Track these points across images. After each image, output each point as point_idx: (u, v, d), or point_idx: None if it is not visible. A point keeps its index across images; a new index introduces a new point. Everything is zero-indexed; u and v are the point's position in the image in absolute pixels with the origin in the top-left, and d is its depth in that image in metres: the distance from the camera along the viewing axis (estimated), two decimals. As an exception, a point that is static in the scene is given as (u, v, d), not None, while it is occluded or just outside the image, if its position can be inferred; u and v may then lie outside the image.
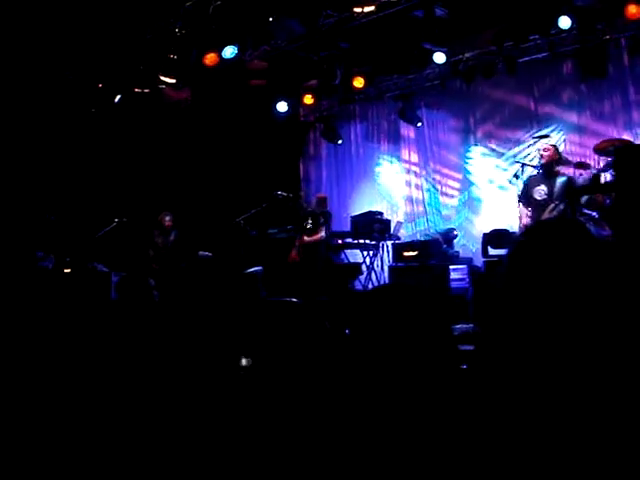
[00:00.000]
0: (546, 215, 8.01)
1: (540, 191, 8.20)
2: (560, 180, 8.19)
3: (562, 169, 8.60)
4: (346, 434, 1.80)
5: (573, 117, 10.44)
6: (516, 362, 1.74)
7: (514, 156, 10.77)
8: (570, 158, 9.56)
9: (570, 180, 8.25)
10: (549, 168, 8.30)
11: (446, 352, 1.77)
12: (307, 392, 2.18)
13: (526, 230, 2.17)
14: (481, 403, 1.74)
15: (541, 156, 8.39)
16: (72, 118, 10.76)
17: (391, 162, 12.68)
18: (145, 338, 2.82)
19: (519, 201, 8.50)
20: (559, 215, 7.92)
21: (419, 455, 1.68)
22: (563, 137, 10.42)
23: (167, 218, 10.33)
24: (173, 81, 10.29)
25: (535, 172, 8.64)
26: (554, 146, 8.60)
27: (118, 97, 10.64)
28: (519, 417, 1.68)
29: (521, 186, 8.54)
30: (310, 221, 9.99)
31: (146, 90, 10.44)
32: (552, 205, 8.08)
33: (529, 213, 8.30)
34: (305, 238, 9.91)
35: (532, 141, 10.38)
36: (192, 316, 3.41)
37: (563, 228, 1.91)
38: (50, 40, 9.34)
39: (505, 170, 10.82)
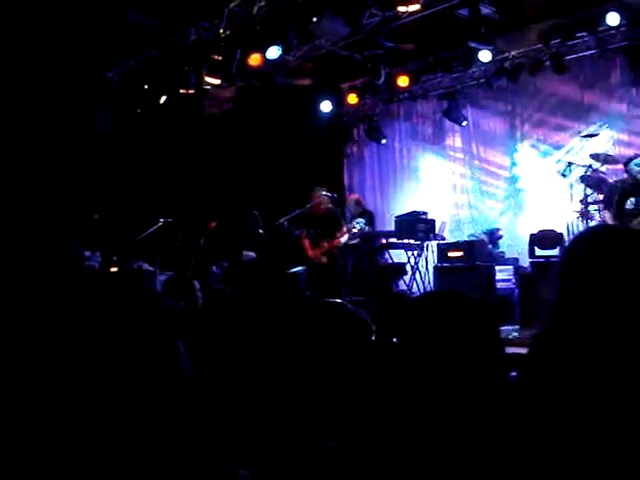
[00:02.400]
0: (635, 224, 7.86)
1: (631, 200, 8.05)
2: None
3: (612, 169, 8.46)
4: (391, 443, 1.77)
5: (622, 115, 10.26)
6: (575, 374, 1.70)
7: (561, 154, 10.63)
8: (619, 157, 9.38)
9: None
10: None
11: (495, 362, 1.73)
12: (350, 395, 2.15)
13: (585, 235, 2.10)
14: (532, 415, 1.70)
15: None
16: (118, 119, 10.86)
17: (436, 161, 12.59)
18: (190, 341, 2.82)
19: (605, 206, 8.35)
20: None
21: (469, 466, 1.64)
22: (611, 135, 10.25)
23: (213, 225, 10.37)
24: (218, 82, 10.33)
25: (627, 181, 8.39)
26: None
27: (164, 98, 10.72)
28: (573, 430, 1.63)
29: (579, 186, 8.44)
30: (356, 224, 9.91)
31: (191, 91, 10.49)
32: None
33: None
34: (326, 244, 9.73)
35: (580, 140, 10.24)
36: (237, 320, 3.41)
37: (622, 235, 1.86)
38: (94, 41, 9.44)
39: (553, 166, 10.66)
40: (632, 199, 8.04)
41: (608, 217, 8.23)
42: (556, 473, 1.66)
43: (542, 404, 1.70)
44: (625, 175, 8.49)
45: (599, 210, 8.66)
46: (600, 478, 1.61)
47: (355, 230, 9.96)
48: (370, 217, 11.22)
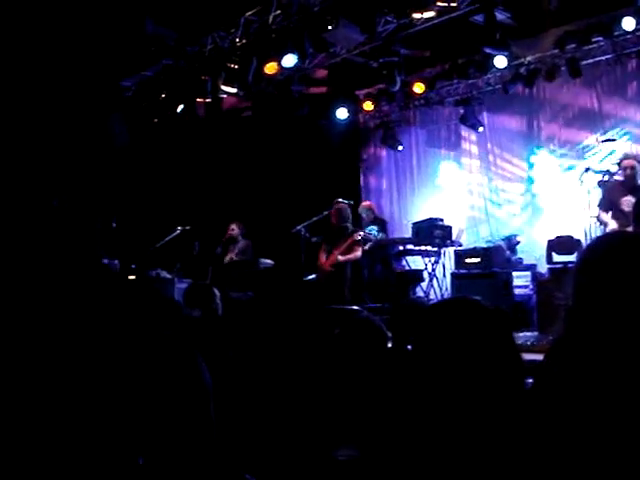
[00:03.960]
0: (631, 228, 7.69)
1: (629, 202, 7.94)
2: None
3: None
4: (406, 451, 1.78)
5: (639, 119, 10.22)
6: (588, 379, 1.70)
7: (578, 160, 10.59)
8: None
9: None
10: (632, 182, 8.09)
11: (509, 369, 1.73)
12: (365, 403, 2.16)
13: (601, 241, 2.10)
14: (547, 422, 1.70)
15: (625, 168, 8.15)
16: (135, 128, 10.93)
17: (452, 168, 12.58)
18: (209, 349, 2.84)
19: (599, 207, 8.33)
20: None
21: (485, 474, 1.65)
22: (629, 140, 10.21)
23: (232, 227, 10.42)
24: (234, 90, 10.38)
25: (615, 179, 8.43)
26: (636, 159, 8.37)
27: (181, 107, 10.78)
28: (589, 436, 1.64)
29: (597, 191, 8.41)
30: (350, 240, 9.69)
31: (207, 100, 10.55)
32: None
33: (615, 221, 8.07)
34: (340, 258, 9.59)
35: (598, 145, 10.20)
36: (255, 327, 3.43)
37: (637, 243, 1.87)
38: (111, 51, 9.53)
39: (571, 172, 10.61)
40: (629, 200, 7.99)
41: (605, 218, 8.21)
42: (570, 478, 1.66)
43: (556, 411, 1.71)
44: None
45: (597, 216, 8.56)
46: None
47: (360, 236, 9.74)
48: (383, 224, 11.20)
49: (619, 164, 8.32)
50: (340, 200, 9.82)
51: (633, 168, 8.10)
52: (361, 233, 9.60)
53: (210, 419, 1.57)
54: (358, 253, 9.49)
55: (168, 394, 1.44)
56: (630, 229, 7.66)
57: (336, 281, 9.32)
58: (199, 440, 1.50)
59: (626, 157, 8.36)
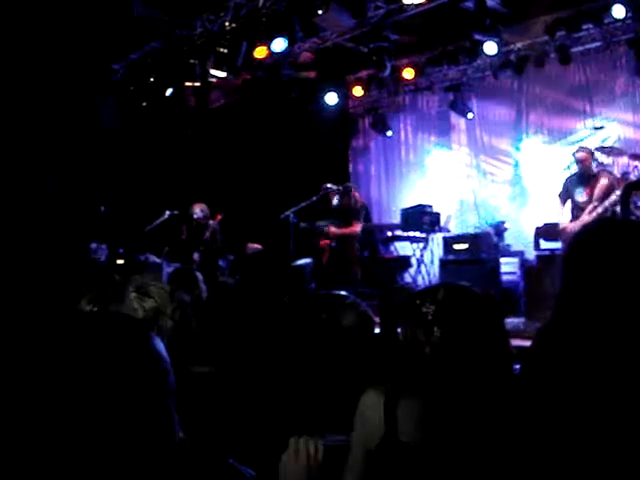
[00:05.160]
0: (585, 216, 8.11)
1: (582, 193, 8.33)
2: (602, 182, 8.24)
3: (617, 160, 8.56)
4: (394, 436, 1.79)
5: (627, 107, 10.25)
6: (576, 364, 1.71)
7: (567, 147, 10.61)
8: (624, 149, 9.38)
9: (612, 182, 8.27)
10: (587, 172, 8.40)
11: (499, 354, 1.74)
12: (353, 388, 2.17)
13: (588, 228, 2.11)
14: (534, 407, 1.71)
15: (578, 161, 8.49)
16: (123, 111, 10.87)
17: (441, 154, 12.59)
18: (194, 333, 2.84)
19: (559, 197, 8.72)
20: (598, 217, 7.97)
21: (473, 458, 1.66)
22: (617, 128, 10.23)
23: (195, 210, 10.19)
24: (223, 74, 10.33)
25: (573, 172, 8.75)
26: (589, 151, 8.59)
27: (169, 91, 10.72)
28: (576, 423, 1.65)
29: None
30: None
31: (197, 84, 10.50)
32: (591, 207, 8.17)
33: (568, 213, 8.52)
34: (332, 229, 9.65)
35: (587, 132, 10.24)
36: (240, 312, 3.43)
37: (624, 227, 1.87)
38: (100, 34, 9.45)
39: (559, 159, 10.65)
40: (582, 191, 8.35)
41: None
42: (559, 466, 1.67)
43: (544, 396, 1.72)
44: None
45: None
46: (602, 470, 1.63)
47: None
48: (365, 210, 11.21)
49: (573, 156, 8.61)
50: (329, 186, 9.82)
51: (586, 160, 8.45)
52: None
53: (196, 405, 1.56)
54: (354, 228, 9.54)
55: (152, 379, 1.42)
56: (581, 218, 8.12)
57: (341, 262, 9.40)
58: (185, 427, 1.50)
59: (580, 150, 8.63)
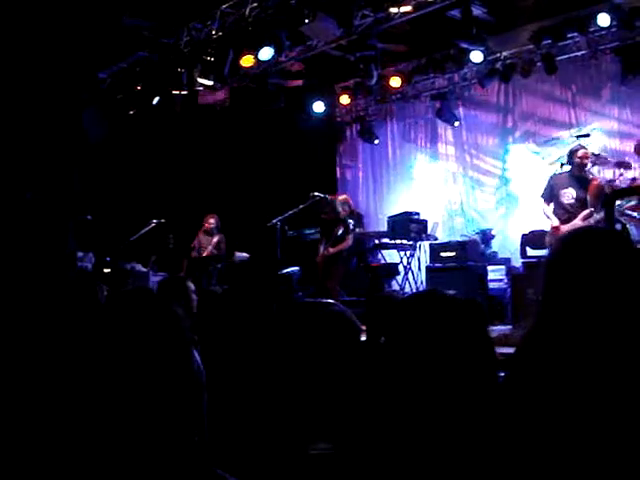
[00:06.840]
0: (579, 222, 7.68)
1: (568, 194, 7.90)
2: (597, 189, 7.85)
3: (602, 169, 8.53)
4: (380, 445, 1.78)
5: (613, 116, 10.30)
6: (560, 372, 1.72)
7: (553, 155, 10.66)
8: (609, 157, 9.40)
9: (602, 187, 8.03)
10: (581, 174, 8.00)
11: (483, 362, 1.74)
12: (339, 397, 2.16)
13: (569, 237, 2.12)
14: (519, 414, 1.71)
15: (577, 159, 7.97)
16: (110, 120, 10.85)
17: (428, 162, 12.62)
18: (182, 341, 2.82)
19: (542, 197, 8.24)
20: (596, 224, 7.53)
21: (458, 467, 1.66)
22: (603, 136, 10.29)
23: (210, 220, 10.41)
24: (210, 83, 10.33)
25: (563, 171, 8.38)
26: (590, 152, 8.33)
27: (156, 99, 10.71)
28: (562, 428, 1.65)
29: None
30: (342, 229, 9.79)
31: (183, 92, 10.49)
32: (587, 212, 7.76)
33: (556, 214, 8.02)
34: (330, 250, 9.74)
35: (572, 140, 10.26)
36: (228, 321, 3.42)
37: (605, 237, 1.89)
38: (87, 42, 9.43)
39: (545, 167, 10.67)
40: (569, 192, 7.94)
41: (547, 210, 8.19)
42: (544, 471, 1.68)
43: (528, 404, 1.72)
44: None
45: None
46: (588, 474, 1.63)
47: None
48: (359, 218, 11.21)
49: (571, 154, 8.16)
50: (316, 194, 9.83)
51: (587, 158, 8.02)
52: (350, 221, 9.76)
53: (201, 413, 1.56)
54: (348, 242, 9.63)
55: (158, 386, 1.43)
56: (573, 223, 7.69)
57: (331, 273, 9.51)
58: (171, 433, 1.50)
59: (580, 147, 8.15)
